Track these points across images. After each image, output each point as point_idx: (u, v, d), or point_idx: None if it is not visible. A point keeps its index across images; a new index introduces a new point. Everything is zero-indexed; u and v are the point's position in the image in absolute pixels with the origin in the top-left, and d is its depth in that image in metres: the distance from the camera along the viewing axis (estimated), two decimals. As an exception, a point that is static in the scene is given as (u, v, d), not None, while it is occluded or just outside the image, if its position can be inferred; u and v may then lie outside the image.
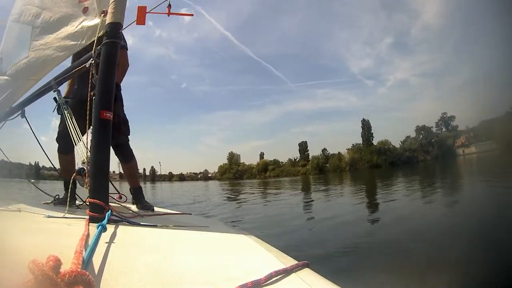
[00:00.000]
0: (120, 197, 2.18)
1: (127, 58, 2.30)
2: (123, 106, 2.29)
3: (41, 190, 2.17)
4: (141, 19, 1.27)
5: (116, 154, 2.24)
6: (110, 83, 1.22)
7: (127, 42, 2.32)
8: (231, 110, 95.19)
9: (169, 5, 1.60)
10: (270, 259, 0.83)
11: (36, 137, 1.98)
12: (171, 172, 71.47)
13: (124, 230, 1.05)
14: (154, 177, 68.12)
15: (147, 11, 1.28)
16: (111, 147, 2.10)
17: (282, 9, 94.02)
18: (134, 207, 2.12)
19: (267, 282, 0.60)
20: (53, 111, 1.72)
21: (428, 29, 66.80)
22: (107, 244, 0.76)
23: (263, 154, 64.87)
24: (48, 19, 1.52)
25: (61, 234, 0.91)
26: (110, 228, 0.98)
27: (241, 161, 67.02)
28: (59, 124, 1.98)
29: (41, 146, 1.97)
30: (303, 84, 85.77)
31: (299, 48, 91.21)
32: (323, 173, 48.94)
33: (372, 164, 47.01)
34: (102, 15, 1.27)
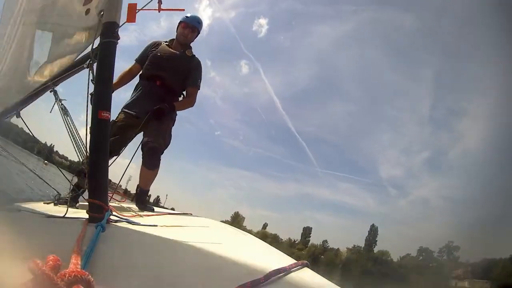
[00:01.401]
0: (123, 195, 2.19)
1: (195, 98, 2.49)
2: (173, 123, 2.44)
3: (47, 183, 2.15)
4: (131, 17, 1.26)
5: (146, 155, 2.24)
6: (108, 83, 1.21)
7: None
8: (251, 172, 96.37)
9: (160, 1, 1.58)
10: (269, 259, 0.84)
11: (35, 136, 1.97)
12: (174, 208, 71.19)
13: (123, 230, 1.05)
14: (156, 205, 67.35)
15: (137, 8, 1.27)
16: (141, 147, 2.18)
17: (336, 94, 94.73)
18: (134, 207, 2.12)
19: (267, 282, 0.60)
20: (50, 111, 1.71)
21: (466, 155, 67.54)
22: (106, 244, 0.76)
23: (267, 225, 64.59)
24: (53, 21, 1.51)
25: (60, 234, 0.91)
26: (110, 228, 0.98)
27: (244, 225, 66.51)
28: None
29: (40, 144, 1.96)
30: (330, 173, 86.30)
31: (339, 136, 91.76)
32: (316, 263, 49.16)
33: (364, 270, 47.08)
34: (100, 14, 1.26)
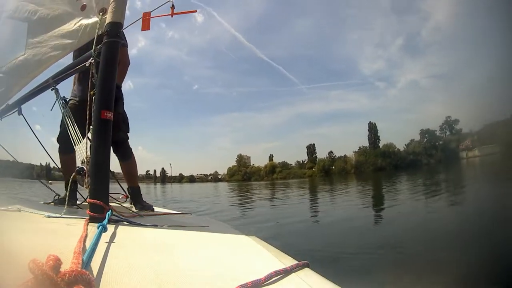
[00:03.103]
0: (127, 197, 2.17)
1: (127, 56, 2.29)
2: (123, 104, 2.28)
3: (51, 190, 2.16)
4: (145, 25, 1.27)
5: (115, 151, 2.21)
6: (111, 82, 1.21)
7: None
8: (243, 111, 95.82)
9: (173, 6, 1.59)
10: (270, 259, 0.83)
11: (36, 135, 1.97)
12: (182, 174, 71.63)
13: (124, 230, 1.04)
14: (164, 178, 68.23)
15: (151, 15, 1.28)
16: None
17: (293, 11, 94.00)
18: (134, 207, 2.11)
19: (267, 282, 0.60)
20: (51, 109, 1.71)
21: (439, 30, 66.75)
22: (107, 244, 0.76)
23: (272, 156, 65.28)
24: (45, 16, 1.50)
25: (61, 234, 0.91)
26: (110, 228, 0.98)
27: (252, 163, 67.17)
28: (60, 124, 1.98)
29: (41, 144, 1.96)
30: (315, 86, 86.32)
31: (311, 50, 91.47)
32: (329, 176, 49.55)
33: (376, 167, 47.43)
34: (101, 13, 1.26)
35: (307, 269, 0.74)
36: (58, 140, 2.03)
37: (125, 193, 2.18)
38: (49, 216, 1.18)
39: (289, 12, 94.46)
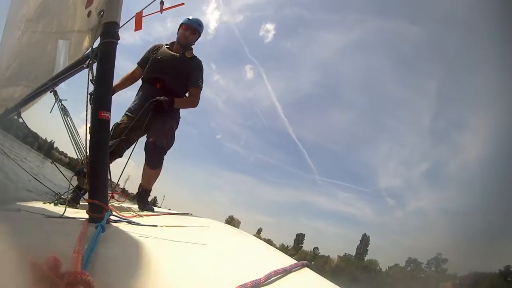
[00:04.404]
0: (126, 197, 2.19)
1: (198, 98, 2.45)
2: (178, 123, 2.44)
3: (45, 186, 2.13)
4: (138, 25, 1.27)
5: (149, 154, 2.24)
6: (108, 83, 1.21)
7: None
8: (250, 177, 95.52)
9: (162, 2, 1.59)
10: (269, 259, 0.84)
11: (35, 135, 1.97)
12: (170, 209, 71.14)
13: (123, 230, 1.05)
14: (153, 206, 67.14)
15: (143, 14, 1.28)
16: (145, 147, 2.19)
17: (338, 102, 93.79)
18: (134, 207, 2.12)
19: (267, 282, 0.60)
20: (50, 111, 1.71)
21: (466, 168, 66.62)
22: (106, 244, 0.76)
23: (261, 230, 63.90)
24: (54, 23, 1.51)
25: (61, 235, 0.91)
26: (110, 228, 0.98)
27: (240, 229, 67.27)
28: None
29: (41, 145, 1.96)
30: (328, 181, 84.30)
31: (340, 145, 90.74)
32: None
33: (352, 277, 47.26)
34: (100, 14, 1.26)
35: (306, 269, 0.74)
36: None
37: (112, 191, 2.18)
38: (49, 217, 1.18)
39: (332, 101, 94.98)
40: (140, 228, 1.16)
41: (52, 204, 1.85)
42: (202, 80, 2.49)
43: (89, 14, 1.28)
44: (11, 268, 0.48)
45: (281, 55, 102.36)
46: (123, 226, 1.13)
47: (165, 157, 2.32)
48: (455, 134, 74.41)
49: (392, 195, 77.59)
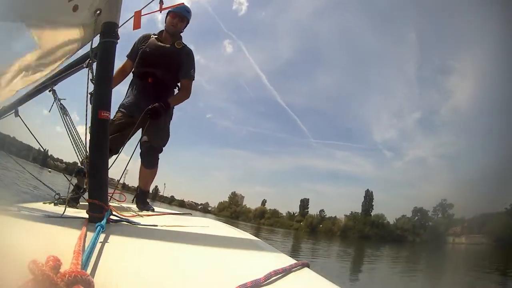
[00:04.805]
0: (126, 197, 2.20)
1: (190, 89, 2.43)
2: (171, 120, 2.44)
3: (46, 185, 2.14)
4: (137, 24, 1.27)
5: (144, 155, 2.25)
6: (108, 82, 1.21)
7: None
8: (246, 150, 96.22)
9: (161, 1, 1.59)
10: (269, 259, 0.84)
11: (34, 136, 1.97)
12: (173, 196, 71.09)
13: (123, 230, 1.05)
14: (155, 196, 67.23)
15: (142, 13, 1.28)
16: (140, 145, 2.20)
17: (320, 64, 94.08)
18: (134, 207, 2.12)
19: (267, 282, 0.60)
20: (49, 111, 1.70)
21: (458, 111, 67.05)
22: (106, 244, 0.76)
23: (265, 201, 64.66)
24: (40, 19, 1.48)
25: (60, 234, 0.91)
26: (110, 228, 0.98)
27: (244, 203, 66.72)
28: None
29: (41, 146, 1.96)
30: (324, 142, 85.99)
31: (329, 105, 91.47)
32: (314, 233, 49.50)
33: (363, 235, 47.39)
34: (97, 13, 1.25)
35: (306, 269, 0.74)
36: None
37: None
38: (49, 216, 1.18)
39: (315, 63, 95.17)
40: (140, 228, 1.16)
41: (52, 204, 1.85)
42: (194, 70, 2.44)
43: (74, 8, 1.25)
44: (11, 268, 0.48)
45: (258, 25, 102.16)
46: (123, 226, 1.13)
47: (163, 148, 2.34)
48: (442, 79, 74.93)
49: (389, 147, 79.11)
